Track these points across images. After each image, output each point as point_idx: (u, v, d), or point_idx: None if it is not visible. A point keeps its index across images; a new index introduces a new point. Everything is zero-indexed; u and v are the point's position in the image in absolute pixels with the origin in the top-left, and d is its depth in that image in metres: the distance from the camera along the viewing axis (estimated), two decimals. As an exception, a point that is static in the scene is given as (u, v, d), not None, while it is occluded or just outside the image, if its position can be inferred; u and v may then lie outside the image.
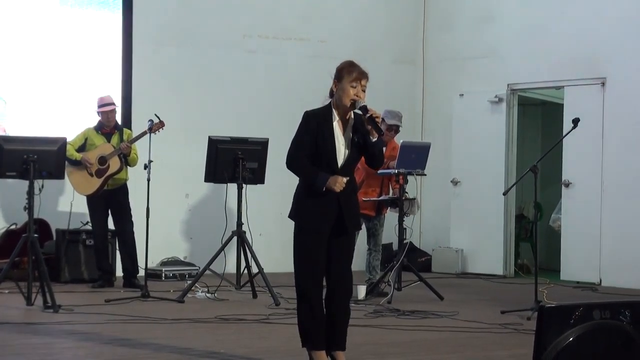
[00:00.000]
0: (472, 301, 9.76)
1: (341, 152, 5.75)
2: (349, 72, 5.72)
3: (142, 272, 10.09)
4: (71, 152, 10.08)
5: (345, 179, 5.69)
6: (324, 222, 5.73)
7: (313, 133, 5.73)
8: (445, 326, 7.85)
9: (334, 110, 5.77)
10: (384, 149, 9.57)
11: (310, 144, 5.73)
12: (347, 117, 5.78)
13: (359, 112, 5.72)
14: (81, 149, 10.21)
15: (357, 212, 5.93)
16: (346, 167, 5.77)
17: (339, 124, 5.77)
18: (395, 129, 9.81)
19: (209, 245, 10.81)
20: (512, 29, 12.57)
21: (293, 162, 5.78)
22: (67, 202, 10.88)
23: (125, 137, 10.23)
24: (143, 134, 9.80)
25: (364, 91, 5.74)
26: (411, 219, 9.87)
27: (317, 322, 5.80)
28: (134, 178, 10.32)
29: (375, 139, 5.71)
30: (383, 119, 9.77)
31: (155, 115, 9.70)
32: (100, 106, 10.26)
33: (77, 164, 10.11)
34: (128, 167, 10.28)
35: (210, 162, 9.59)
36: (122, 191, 10.28)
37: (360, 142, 5.73)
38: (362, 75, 5.73)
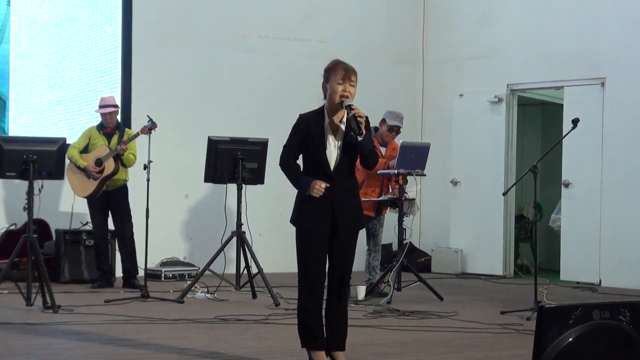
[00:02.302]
0: (472, 301, 9.75)
1: (333, 153, 5.72)
2: (334, 71, 5.69)
3: (141, 273, 10.09)
4: (76, 157, 10.10)
5: (324, 185, 5.65)
6: (320, 225, 5.72)
7: (303, 136, 5.72)
8: (445, 326, 7.84)
9: (326, 111, 5.76)
10: (384, 149, 9.71)
11: (300, 146, 5.74)
12: (341, 118, 5.75)
13: (346, 111, 5.70)
14: (84, 149, 10.22)
15: (354, 214, 5.87)
16: (340, 169, 5.74)
17: (331, 125, 5.74)
18: (396, 130, 9.81)
19: (208, 245, 10.81)
20: (512, 29, 12.58)
21: (282, 167, 5.83)
22: (67, 203, 10.90)
23: (125, 137, 10.22)
24: (136, 135, 9.85)
25: (353, 86, 5.70)
26: (411, 219, 9.87)
27: (317, 323, 5.80)
28: (134, 178, 10.32)
29: (361, 138, 5.65)
30: (384, 120, 9.79)
31: (148, 116, 9.65)
32: (100, 106, 10.26)
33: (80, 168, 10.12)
34: (126, 167, 10.27)
35: (210, 162, 9.58)
36: (121, 192, 10.28)
37: (353, 142, 5.71)
38: (348, 71, 5.69)
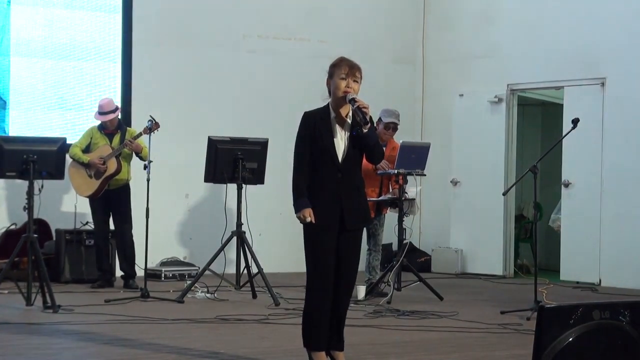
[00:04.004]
0: (472, 301, 9.75)
1: (340, 147, 5.74)
2: (338, 67, 5.75)
3: (141, 272, 10.08)
4: (79, 155, 10.10)
5: (310, 219, 5.66)
6: (328, 219, 5.72)
7: (311, 131, 5.75)
8: (445, 326, 7.84)
9: (331, 108, 5.78)
10: (384, 148, 9.69)
11: (310, 143, 5.74)
12: (346, 113, 5.77)
13: (350, 104, 5.71)
14: (86, 149, 10.22)
15: (361, 208, 5.88)
16: (347, 163, 5.76)
17: (337, 120, 5.76)
18: (392, 127, 9.77)
19: (208, 245, 10.81)
20: (512, 29, 12.58)
21: (294, 180, 5.78)
22: (67, 202, 10.92)
23: (127, 136, 10.17)
24: (138, 135, 9.87)
25: (356, 82, 5.73)
26: (411, 219, 9.87)
27: (324, 323, 5.77)
28: (134, 178, 10.31)
29: (366, 130, 5.68)
30: (380, 118, 9.77)
31: (150, 116, 9.63)
32: (100, 113, 10.21)
33: (84, 165, 10.12)
34: (129, 166, 10.27)
35: (210, 162, 9.58)
36: (123, 191, 10.26)
37: (359, 134, 5.71)
38: (352, 67, 5.73)
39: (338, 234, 5.76)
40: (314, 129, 5.74)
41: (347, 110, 5.78)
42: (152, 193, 9.28)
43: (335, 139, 5.73)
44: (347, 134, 5.76)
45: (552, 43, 12.11)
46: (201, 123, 11.73)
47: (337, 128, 5.76)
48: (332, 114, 5.77)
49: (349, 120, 5.77)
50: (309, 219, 5.68)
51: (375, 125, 9.61)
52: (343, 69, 5.72)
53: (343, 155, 5.75)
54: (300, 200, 5.73)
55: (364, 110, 5.63)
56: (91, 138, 10.24)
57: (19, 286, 8.61)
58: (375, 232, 9.75)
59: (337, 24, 12.98)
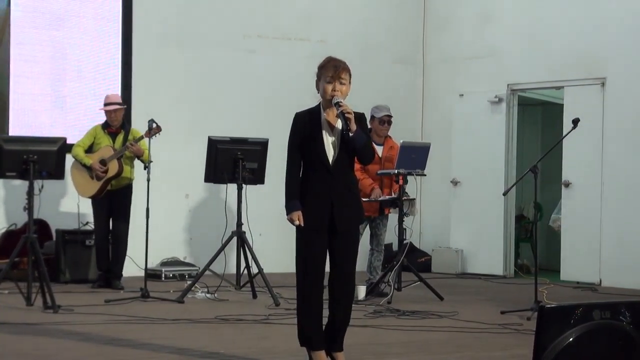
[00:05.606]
0: (472, 301, 9.75)
1: (330, 149, 5.74)
2: (324, 69, 5.72)
3: (142, 272, 10.07)
4: (81, 156, 10.08)
5: (298, 223, 5.68)
6: (318, 221, 5.72)
7: (302, 133, 5.74)
8: (445, 326, 7.84)
9: (322, 108, 5.78)
10: (381, 148, 9.69)
11: (301, 145, 5.75)
12: (337, 114, 5.75)
13: (335, 108, 5.70)
14: (89, 148, 10.20)
15: (353, 210, 5.85)
16: (338, 165, 5.75)
17: (327, 122, 5.76)
18: (387, 120, 9.74)
19: (209, 245, 10.82)
20: (512, 29, 12.58)
21: (286, 179, 5.79)
22: (67, 203, 10.91)
23: (130, 137, 10.15)
24: (140, 138, 9.84)
25: (343, 84, 5.70)
26: (411, 219, 9.86)
27: (316, 322, 5.78)
28: (134, 178, 10.31)
29: (352, 134, 5.65)
30: (373, 116, 9.74)
31: (153, 120, 9.58)
32: (105, 104, 10.23)
33: (86, 167, 10.10)
34: (132, 168, 10.25)
35: (210, 162, 9.58)
36: (125, 192, 10.24)
37: (345, 137, 5.71)
38: (338, 69, 5.69)
39: (331, 235, 5.76)
40: (304, 131, 5.74)
41: (336, 112, 5.76)
42: (152, 193, 9.28)
43: (325, 141, 5.73)
44: (338, 135, 5.75)
45: (552, 43, 12.11)
46: (201, 123, 11.73)
47: (328, 129, 5.75)
48: (323, 115, 5.76)
49: (339, 122, 5.75)
50: (297, 222, 5.69)
51: (368, 124, 9.65)
52: (329, 72, 5.68)
53: (334, 157, 5.74)
54: (291, 202, 5.74)
55: (347, 116, 5.60)
56: (94, 137, 10.22)
57: (19, 286, 8.61)
58: (378, 232, 9.76)
59: (337, 24, 12.98)
